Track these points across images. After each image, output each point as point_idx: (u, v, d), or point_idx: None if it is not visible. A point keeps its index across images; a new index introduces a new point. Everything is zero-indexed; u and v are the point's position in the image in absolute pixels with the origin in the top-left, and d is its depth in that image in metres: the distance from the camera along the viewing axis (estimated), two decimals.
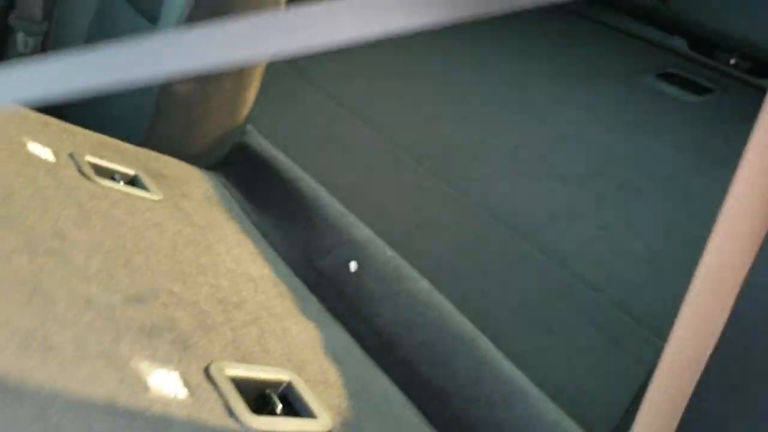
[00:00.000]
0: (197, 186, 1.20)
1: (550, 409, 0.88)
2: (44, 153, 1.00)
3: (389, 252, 1.10)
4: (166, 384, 0.69)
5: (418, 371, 0.93)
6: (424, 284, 1.05)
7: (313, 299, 1.03)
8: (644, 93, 1.90)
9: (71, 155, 1.04)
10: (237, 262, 1.01)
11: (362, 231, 1.14)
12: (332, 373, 0.86)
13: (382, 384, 0.90)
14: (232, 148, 1.34)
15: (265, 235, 1.14)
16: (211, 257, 0.98)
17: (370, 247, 1.10)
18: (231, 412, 0.71)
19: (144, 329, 0.75)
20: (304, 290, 1.04)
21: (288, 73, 1.77)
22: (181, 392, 0.69)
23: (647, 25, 2.19)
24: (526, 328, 1.09)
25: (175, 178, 1.17)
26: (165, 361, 0.72)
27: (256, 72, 1.30)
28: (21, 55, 1.59)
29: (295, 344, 0.88)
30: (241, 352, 0.81)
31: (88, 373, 0.65)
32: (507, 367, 0.94)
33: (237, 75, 1.27)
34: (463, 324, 0.99)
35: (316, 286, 1.05)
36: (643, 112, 1.81)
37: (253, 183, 1.26)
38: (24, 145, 0.99)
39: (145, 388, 0.67)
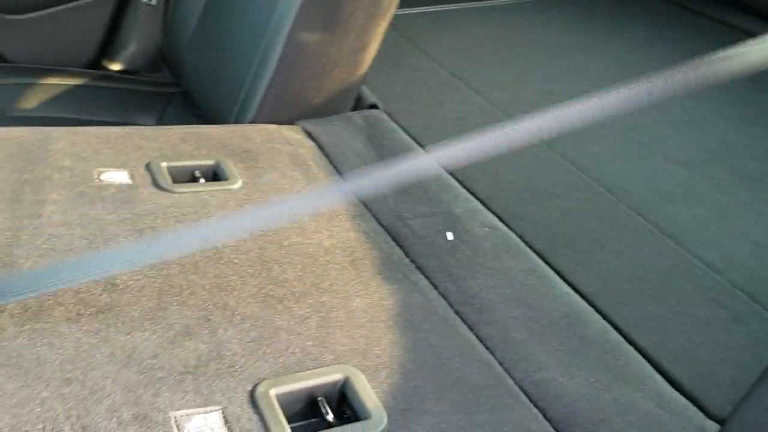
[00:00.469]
0: (284, 149, 1.17)
1: (667, 392, 0.82)
2: (118, 177, 1.01)
3: (488, 228, 1.04)
4: (203, 429, 0.67)
5: (514, 341, 0.85)
6: (524, 262, 0.98)
7: (399, 255, 0.98)
8: (765, 90, 1.74)
9: (148, 166, 1.05)
10: (313, 233, 0.98)
11: (463, 204, 1.09)
12: (400, 350, 0.81)
13: (467, 350, 0.83)
14: (344, 105, 1.33)
15: (356, 191, 1.11)
16: (285, 237, 0.96)
17: (469, 221, 1.05)
18: None
19: (188, 368, 0.73)
20: (390, 247, 0.99)
21: (401, 42, 1.76)
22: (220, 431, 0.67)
23: None
24: (642, 299, 1.00)
25: (260, 151, 1.15)
26: (207, 401, 0.70)
27: (378, 31, 1.27)
28: (146, 5, 1.68)
29: (361, 325, 0.83)
30: (296, 358, 0.77)
31: None
32: (616, 342, 0.87)
33: (360, 31, 1.24)
34: (569, 304, 0.92)
35: (406, 241, 1.01)
36: (760, 108, 1.66)
37: (355, 140, 1.24)
38: (95, 177, 1.00)
39: None
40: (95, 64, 1.75)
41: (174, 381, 0.71)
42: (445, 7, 2.00)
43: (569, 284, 0.98)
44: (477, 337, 0.86)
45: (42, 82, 1.62)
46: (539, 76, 1.67)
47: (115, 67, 1.77)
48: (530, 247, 1.05)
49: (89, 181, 0.99)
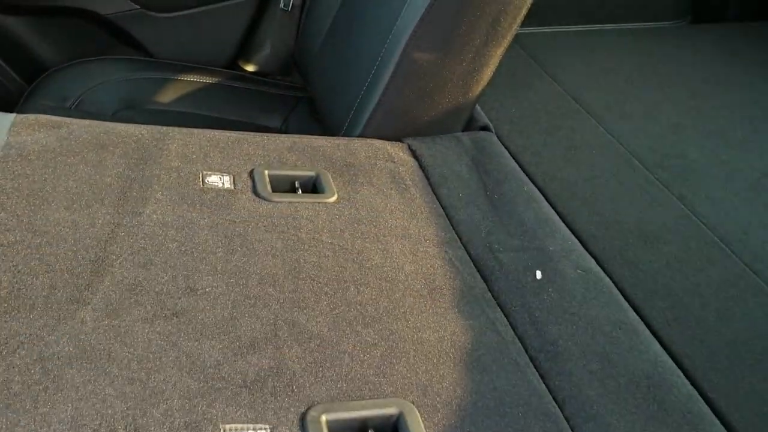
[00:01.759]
0: (386, 166, 1.18)
1: None
2: (221, 182, 1.05)
3: (581, 270, 0.99)
4: None
5: (586, 397, 0.81)
6: (614, 312, 0.92)
7: (481, 288, 0.96)
8: None
9: (251, 173, 1.08)
10: (397, 255, 0.98)
11: (560, 241, 1.05)
12: (462, 391, 0.79)
13: (533, 401, 0.80)
14: (454, 124, 1.32)
15: (449, 214, 1.09)
16: (367, 257, 0.96)
17: (563, 261, 1.00)
18: None
19: (246, 382, 0.74)
20: (473, 279, 0.97)
21: (522, 60, 1.72)
22: None
23: None
24: (741, 369, 0.92)
25: (361, 166, 1.16)
26: (258, 417, 0.71)
27: (495, 53, 1.25)
28: (282, 11, 1.74)
29: (427, 359, 0.82)
30: (354, 384, 0.77)
31: None
32: (700, 413, 0.81)
33: (476, 53, 1.23)
34: (654, 364, 0.86)
35: (492, 275, 0.98)
36: None
37: (459, 162, 1.22)
38: (200, 179, 1.04)
39: None
40: (231, 64, 1.84)
41: (231, 393, 0.73)
42: (580, 27, 1.93)
43: (660, 342, 0.91)
44: (547, 387, 0.82)
45: (180, 78, 1.71)
46: (671, 110, 1.57)
47: (249, 68, 1.85)
48: (625, 296, 0.99)
49: (193, 184, 1.03)
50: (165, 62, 1.75)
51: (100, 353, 0.74)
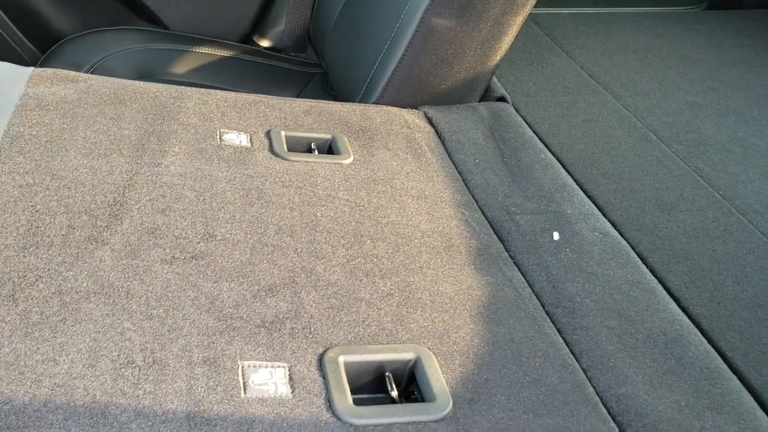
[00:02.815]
0: (401, 132, 1.17)
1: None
2: (238, 139, 1.05)
3: (599, 233, 0.98)
4: (267, 383, 0.68)
5: (603, 351, 0.80)
6: (631, 272, 0.92)
7: (498, 248, 0.95)
8: None
9: (268, 133, 1.08)
10: (413, 215, 0.97)
11: (578, 206, 1.04)
12: (479, 341, 0.78)
13: (550, 352, 0.79)
14: (471, 95, 1.31)
15: (465, 178, 1.09)
16: (384, 215, 0.96)
17: (580, 223, 1.00)
18: (331, 407, 0.66)
19: (264, 323, 0.74)
20: (490, 239, 0.96)
21: (539, 39, 1.72)
22: (281, 389, 0.67)
23: None
24: (759, 330, 0.91)
25: (377, 131, 1.15)
26: (276, 356, 0.71)
27: (514, 22, 1.25)
28: None
29: (444, 311, 0.82)
30: (371, 330, 0.76)
31: (185, 383, 0.66)
32: (718, 369, 0.80)
33: (495, 21, 1.22)
34: (671, 321, 0.85)
35: (508, 236, 0.98)
36: None
37: (476, 130, 1.21)
38: (217, 136, 1.04)
39: (242, 390, 0.66)
40: (246, 39, 1.83)
41: (249, 332, 0.72)
42: (597, 9, 1.93)
43: (677, 302, 0.91)
44: (564, 340, 0.82)
45: (195, 50, 1.71)
46: (687, 88, 1.57)
47: (264, 43, 1.85)
48: (643, 259, 0.99)
49: (210, 140, 1.03)
50: (180, 34, 1.75)
51: (118, 290, 0.73)
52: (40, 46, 1.73)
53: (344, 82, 1.46)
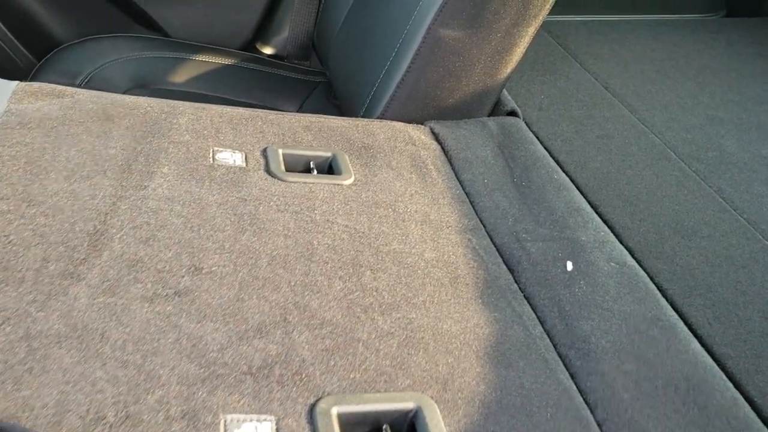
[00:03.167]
0: (406, 149, 1.11)
1: None
2: (233, 158, 0.99)
3: (615, 263, 0.92)
4: None
5: (620, 399, 0.74)
6: (650, 308, 0.85)
7: (507, 279, 0.89)
8: None
9: (264, 151, 1.02)
10: (417, 242, 0.91)
11: (593, 232, 0.97)
12: (486, 387, 0.72)
13: (563, 401, 0.72)
14: (480, 109, 1.25)
15: (473, 200, 1.03)
16: (385, 242, 0.89)
17: (595, 252, 0.93)
18: None
19: (251, 369, 0.68)
20: (499, 269, 0.90)
21: (551, 48, 1.65)
22: None
23: None
24: None
25: (380, 148, 1.09)
26: (263, 408, 0.64)
27: (526, 33, 1.18)
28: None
29: (448, 352, 0.75)
30: (368, 375, 0.70)
31: None
32: (746, 419, 0.73)
33: (506, 32, 1.16)
34: (695, 364, 0.78)
35: (518, 265, 0.91)
36: None
37: (485, 147, 1.15)
38: (210, 155, 0.98)
39: None
40: (248, 46, 1.78)
41: (233, 380, 0.66)
42: (611, 17, 1.86)
43: (700, 341, 0.84)
44: (577, 387, 0.75)
45: (195, 58, 1.65)
46: (707, 102, 1.50)
47: (267, 51, 1.79)
48: (662, 291, 0.92)
49: (203, 159, 0.97)
50: (180, 42, 1.69)
51: (92, 332, 0.67)
52: (37, 54, 1.68)
53: (348, 94, 1.40)
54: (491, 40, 1.17)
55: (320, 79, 1.69)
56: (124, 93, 1.52)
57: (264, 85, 1.66)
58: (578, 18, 1.82)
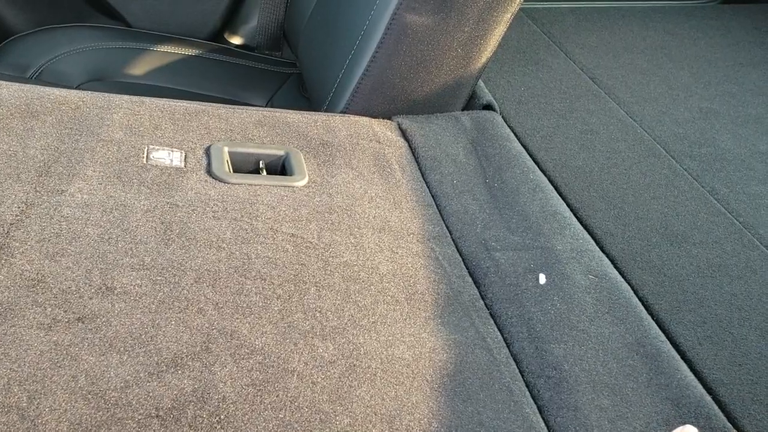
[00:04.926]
0: (369, 147, 1.01)
1: None
2: (170, 158, 0.89)
3: (593, 276, 0.82)
4: None
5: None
6: (632, 330, 0.75)
7: (471, 295, 0.79)
8: None
9: (208, 150, 0.92)
10: (373, 252, 0.81)
11: (570, 239, 0.88)
12: (438, 425, 0.63)
13: None
14: (453, 102, 1.15)
15: (440, 204, 0.93)
16: (335, 253, 0.80)
17: (571, 263, 0.83)
18: None
19: (159, 411, 0.58)
20: (462, 283, 0.80)
21: (534, 35, 1.54)
22: None
23: None
24: None
25: (340, 146, 0.99)
26: None
27: (502, 19, 1.08)
28: None
29: (398, 383, 0.66)
30: (300, 414, 0.60)
31: None
32: None
33: (479, 17, 1.06)
34: (681, 398, 0.69)
35: (485, 278, 0.81)
36: None
37: (456, 144, 1.05)
38: (143, 155, 0.88)
39: None
40: (217, 36, 1.67)
41: (136, 425, 0.56)
42: (600, 4, 1.75)
43: (689, 365, 0.74)
44: (546, 423, 0.65)
45: (157, 49, 1.55)
46: (701, 93, 1.40)
47: (236, 41, 1.69)
48: (647, 307, 0.82)
49: (134, 160, 0.87)
50: (142, 32, 1.59)
51: None
52: None
53: (315, 87, 1.30)
54: (463, 26, 1.07)
55: (291, 70, 1.59)
56: (78, 87, 1.41)
57: (232, 77, 1.56)
58: (564, 5, 1.71)
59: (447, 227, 0.89)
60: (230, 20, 1.68)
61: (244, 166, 0.94)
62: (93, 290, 0.67)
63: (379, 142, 1.03)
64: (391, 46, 1.07)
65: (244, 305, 0.70)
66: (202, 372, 0.62)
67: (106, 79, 1.47)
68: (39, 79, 1.42)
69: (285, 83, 1.58)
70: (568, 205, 0.96)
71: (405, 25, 1.05)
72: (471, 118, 1.13)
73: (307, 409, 0.61)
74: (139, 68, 1.51)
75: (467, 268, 0.83)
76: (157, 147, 0.90)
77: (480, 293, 0.80)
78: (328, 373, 0.65)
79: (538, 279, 0.81)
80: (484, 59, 1.13)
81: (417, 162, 1.01)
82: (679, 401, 0.68)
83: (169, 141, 0.92)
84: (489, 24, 1.08)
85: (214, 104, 1.04)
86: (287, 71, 1.59)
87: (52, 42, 1.52)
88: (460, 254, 0.85)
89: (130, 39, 1.56)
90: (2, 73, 1.42)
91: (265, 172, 0.94)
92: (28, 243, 0.70)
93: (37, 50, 1.50)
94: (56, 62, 1.47)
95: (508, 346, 0.73)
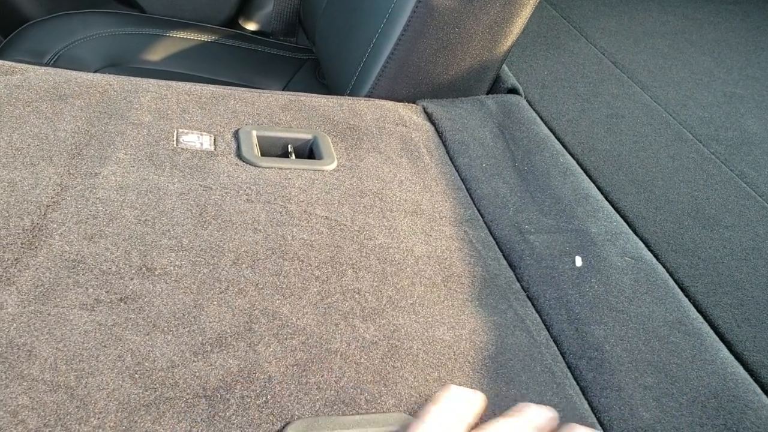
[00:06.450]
0: (396, 131, 1.00)
1: None
2: (199, 141, 0.88)
3: (630, 258, 0.81)
4: None
5: (639, 419, 0.64)
6: (672, 309, 0.74)
7: (508, 277, 0.78)
8: None
9: (236, 133, 0.91)
10: (406, 235, 0.80)
11: (604, 222, 0.87)
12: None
13: (572, 421, 0.62)
14: (478, 86, 1.14)
15: (470, 187, 0.92)
16: (370, 236, 0.79)
17: (607, 246, 0.83)
18: None
19: (206, 390, 0.57)
20: (498, 266, 0.79)
21: (556, 21, 1.53)
22: None
23: None
24: None
25: (367, 129, 0.99)
26: None
27: (528, 3, 1.07)
28: None
29: (440, 364, 0.65)
30: (346, 394, 0.60)
31: None
32: None
33: (506, 0, 1.05)
34: (724, 376, 0.68)
35: (521, 261, 0.80)
36: None
37: (483, 128, 1.04)
38: (173, 138, 0.87)
39: None
40: (231, 22, 1.67)
41: (184, 405, 0.56)
42: None
43: (729, 347, 0.74)
44: (590, 404, 0.65)
45: (173, 35, 1.54)
46: (724, 77, 1.39)
47: (251, 27, 1.68)
48: (683, 289, 0.81)
49: (165, 143, 0.86)
50: (157, 18, 1.58)
51: (17, 350, 0.57)
52: (2, 31, 1.57)
53: (335, 71, 1.29)
54: (489, 10, 1.06)
55: (307, 56, 1.58)
56: (94, 72, 1.41)
57: (247, 64, 1.55)
58: None
59: (479, 211, 0.89)
60: (245, 6, 1.68)
61: (273, 149, 0.94)
62: (133, 271, 0.67)
63: (406, 126, 1.03)
64: (417, 29, 1.06)
65: (284, 286, 0.69)
66: (246, 352, 0.61)
67: (121, 65, 1.46)
68: (56, 65, 1.42)
69: (300, 69, 1.57)
70: (598, 189, 0.95)
71: (431, 8, 1.04)
72: (496, 102, 1.12)
73: (352, 390, 0.61)
74: (155, 54, 1.50)
75: (501, 252, 0.82)
76: (186, 131, 0.90)
77: (516, 276, 0.79)
78: (371, 353, 0.64)
79: (574, 261, 0.80)
80: (509, 42, 1.12)
81: (444, 146, 1.01)
82: (726, 376, 0.67)
83: (197, 125, 0.92)
84: (515, 8, 1.07)
85: (239, 88, 1.04)
86: (302, 57, 1.58)
87: (67, 28, 1.51)
88: (494, 238, 0.85)
89: (146, 25, 1.55)
90: (19, 59, 1.42)
91: (293, 156, 0.93)
92: (66, 225, 0.70)
93: (53, 36, 1.49)
94: (72, 48, 1.46)
95: (547, 329, 0.72)
